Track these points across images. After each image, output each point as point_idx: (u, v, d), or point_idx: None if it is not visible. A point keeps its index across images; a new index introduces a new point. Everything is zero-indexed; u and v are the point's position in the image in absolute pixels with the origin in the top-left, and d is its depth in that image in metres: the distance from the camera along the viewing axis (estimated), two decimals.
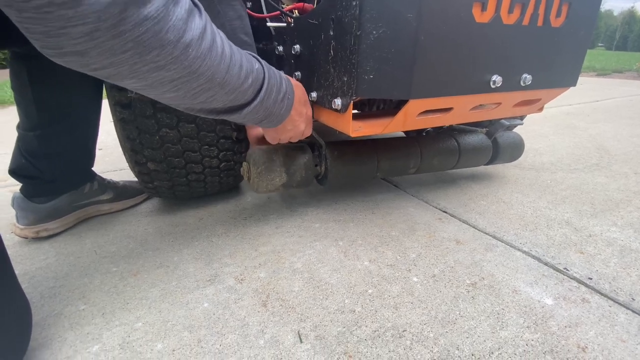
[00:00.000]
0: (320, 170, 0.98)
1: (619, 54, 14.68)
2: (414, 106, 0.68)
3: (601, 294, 0.72)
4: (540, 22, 0.71)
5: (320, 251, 0.88)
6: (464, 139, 1.16)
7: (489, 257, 0.85)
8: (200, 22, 0.43)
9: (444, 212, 1.09)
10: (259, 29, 1.01)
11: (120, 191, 1.09)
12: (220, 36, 0.48)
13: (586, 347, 0.59)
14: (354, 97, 0.68)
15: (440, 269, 0.81)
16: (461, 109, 0.76)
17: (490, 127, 1.22)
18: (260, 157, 0.89)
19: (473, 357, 0.57)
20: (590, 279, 0.77)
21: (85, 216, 1.02)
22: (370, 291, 0.73)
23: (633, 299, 0.71)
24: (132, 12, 0.35)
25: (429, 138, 1.12)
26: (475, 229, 0.99)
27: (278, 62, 1.01)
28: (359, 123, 0.78)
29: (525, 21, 0.69)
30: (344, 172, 0.99)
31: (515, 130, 1.39)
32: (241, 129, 0.98)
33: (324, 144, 0.98)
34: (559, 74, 0.82)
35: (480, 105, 0.80)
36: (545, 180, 1.34)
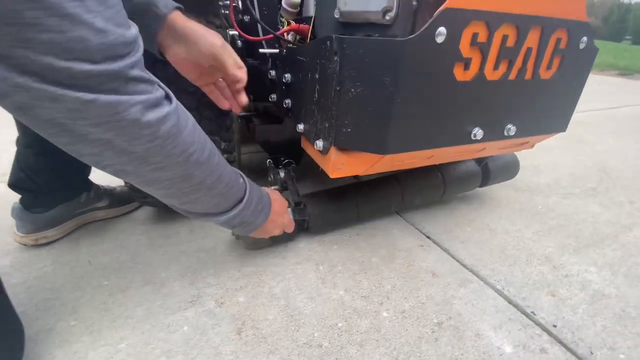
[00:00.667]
0: (304, 225, 1.01)
1: None
2: (389, 157, 0.69)
3: (562, 344, 0.75)
4: (528, 76, 0.70)
5: (299, 276, 0.92)
6: (449, 170, 1.16)
7: (461, 294, 0.88)
8: (202, 134, 0.52)
9: (428, 237, 1.11)
10: (254, 48, 1.01)
11: (116, 198, 1.13)
12: (213, 146, 0.56)
13: None
14: (333, 144, 0.69)
15: (412, 304, 0.84)
16: (443, 156, 0.77)
17: None
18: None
19: None
20: (555, 326, 0.80)
21: (82, 222, 1.07)
22: (340, 325, 0.78)
23: (592, 352, 0.74)
24: (150, 129, 0.41)
25: (410, 175, 1.13)
26: (455, 259, 1.01)
27: (271, 85, 1.02)
28: (341, 160, 0.80)
29: (512, 76, 0.68)
30: (325, 223, 1.05)
31: None
32: (231, 139, 1.00)
33: (303, 202, 1.01)
34: (546, 122, 0.82)
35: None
36: (536, 205, 1.34)
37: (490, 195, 1.40)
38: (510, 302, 0.86)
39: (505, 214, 1.26)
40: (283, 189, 1.07)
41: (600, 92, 3.92)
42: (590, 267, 1.00)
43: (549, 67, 0.72)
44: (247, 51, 1.06)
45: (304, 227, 1.01)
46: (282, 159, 1.16)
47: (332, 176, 0.75)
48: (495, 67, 0.65)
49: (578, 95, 0.82)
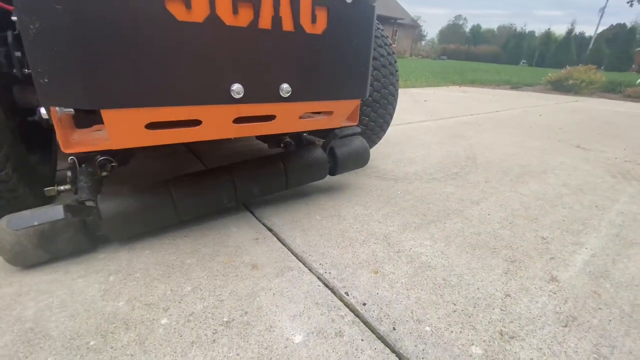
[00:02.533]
0: (94, 229, 0.83)
1: (536, 70, 16.48)
2: (120, 117, 0.56)
3: (365, 322, 0.66)
4: (288, 27, 0.64)
5: (75, 291, 0.73)
6: (292, 159, 1.08)
7: (274, 285, 0.76)
8: None
9: (269, 229, 1.00)
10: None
11: None
12: None
13: None
14: (48, 106, 0.55)
15: (206, 304, 0.70)
16: (213, 122, 0.67)
17: (325, 138, 1.17)
18: (4, 244, 0.73)
19: None
20: (365, 304, 0.71)
21: None
22: (92, 343, 0.60)
23: (394, 328, 0.65)
24: None
25: (244, 165, 1.03)
26: (288, 248, 0.90)
27: None
28: (80, 135, 0.65)
29: (264, 24, 0.62)
30: (129, 226, 0.86)
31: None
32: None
33: (97, 198, 0.83)
34: (335, 85, 0.77)
35: (244, 118, 0.71)
36: (396, 190, 1.32)
37: (353, 186, 1.35)
38: (327, 285, 0.76)
39: (362, 201, 1.21)
40: (76, 190, 0.88)
41: (490, 101, 4.39)
42: (425, 242, 0.96)
43: (313, 20, 0.67)
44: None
45: (94, 232, 0.83)
46: (98, 156, 0.98)
47: (65, 150, 0.60)
48: (234, 10, 0.58)
49: (366, 57, 0.79)
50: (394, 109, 1.47)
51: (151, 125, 0.62)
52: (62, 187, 0.86)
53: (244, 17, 0.60)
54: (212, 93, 0.61)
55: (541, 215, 1.16)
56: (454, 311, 0.70)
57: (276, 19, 0.63)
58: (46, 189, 0.86)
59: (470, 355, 0.61)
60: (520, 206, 1.23)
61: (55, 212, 0.75)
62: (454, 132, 2.43)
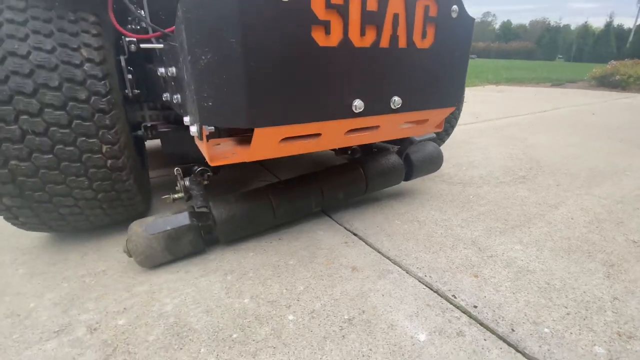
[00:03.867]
0: (210, 232, 0.91)
1: (575, 65, 15.61)
2: (267, 134, 0.63)
3: (481, 324, 0.68)
4: (402, 44, 0.69)
5: (201, 289, 0.80)
6: (370, 165, 1.12)
7: (379, 286, 0.80)
8: None
9: (355, 234, 1.05)
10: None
11: None
12: None
13: None
14: (203, 125, 0.63)
15: (323, 302, 0.75)
16: (331, 134, 0.72)
17: (401, 145, 1.20)
18: (138, 247, 0.82)
19: None
20: (475, 307, 0.73)
21: None
22: (235, 336, 0.66)
23: (513, 329, 0.67)
24: None
25: (330, 172, 1.08)
26: (378, 252, 0.94)
27: (164, 84, 0.96)
28: (216, 142, 0.73)
29: (384, 43, 0.67)
30: (237, 229, 0.94)
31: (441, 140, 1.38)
32: (117, 155, 0.89)
33: (210, 205, 0.91)
34: (435, 95, 0.80)
35: (355, 129, 0.76)
36: (468, 195, 1.33)
37: (422, 191, 1.37)
38: (431, 288, 0.79)
39: (436, 206, 1.23)
40: (188, 197, 0.97)
41: (535, 100, 4.23)
42: (515, 246, 0.96)
43: (424, 36, 0.71)
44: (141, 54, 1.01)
45: (210, 235, 0.91)
46: (195, 167, 1.08)
47: (211, 163, 0.68)
48: (362, 33, 0.63)
49: (464, 67, 0.82)
50: (459, 111, 1.48)
51: (283, 140, 0.68)
52: (176, 195, 0.95)
53: (369, 39, 0.65)
54: (339, 109, 0.66)
55: (626, 219, 1.13)
56: (567, 314, 0.71)
57: (394, 38, 0.67)
58: (163, 196, 0.96)
59: (595, 355, 0.61)
60: (602, 210, 1.19)
61: (182, 218, 0.83)
62: (506, 134, 2.38)
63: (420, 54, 0.72)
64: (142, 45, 0.88)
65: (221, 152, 0.72)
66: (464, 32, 0.78)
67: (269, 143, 0.66)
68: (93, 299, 0.78)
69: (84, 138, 0.81)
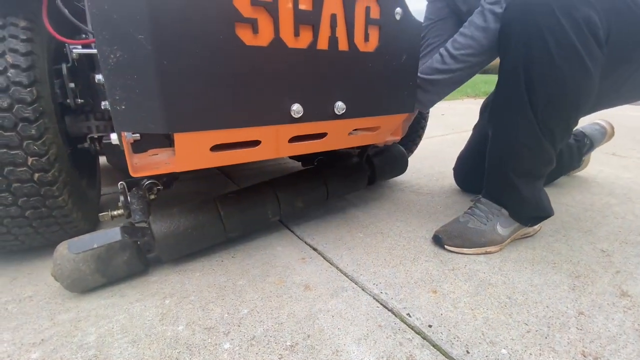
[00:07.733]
0: (147, 250, 0.85)
1: None
2: (191, 140, 0.57)
3: (434, 345, 0.63)
4: (343, 47, 0.66)
5: (134, 316, 0.72)
6: (330, 170, 1.08)
7: (330, 306, 0.74)
8: None
9: (314, 249, 0.98)
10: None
11: None
12: None
13: None
14: (120, 131, 0.57)
15: (266, 327, 0.68)
16: (271, 142, 0.67)
17: (361, 148, 1.17)
18: (64, 270, 0.74)
19: None
20: (430, 326, 0.67)
21: None
22: None
23: (468, 351, 0.62)
24: None
25: (285, 179, 1.03)
26: (336, 267, 0.88)
27: (103, 92, 0.90)
28: (139, 159, 0.67)
29: (322, 45, 0.63)
30: (180, 246, 0.87)
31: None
32: (46, 168, 0.81)
33: (150, 219, 0.85)
34: (385, 101, 0.77)
35: (300, 137, 0.71)
36: (436, 205, 1.29)
37: (390, 201, 1.33)
38: (385, 306, 0.73)
39: (402, 217, 1.18)
40: (129, 214, 0.90)
41: None
42: (479, 257, 0.92)
43: (366, 39, 0.68)
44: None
45: (147, 253, 0.84)
46: (144, 180, 1.01)
47: (133, 174, 0.61)
48: (296, 33, 0.59)
49: (414, 72, 0.79)
50: (425, 121, 1.47)
51: (214, 148, 0.62)
52: (115, 212, 0.88)
53: (304, 39, 0.61)
54: (274, 113, 0.62)
55: (594, 227, 1.11)
56: (528, 332, 0.66)
57: (333, 40, 0.64)
58: (100, 214, 0.88)
59: None
60: (570, 218, 1.17)
61: (112, 234, 0.76)
62: None
63: (365, 58, 0.69)
64: (75, 51, 0.82)
65: (149, 163, 0.66)
66: (411, 36, 0.75)
67: (196, 151, 0.60)
68: (11, 328, 0.69)
69: (4, 150, 0.74)
